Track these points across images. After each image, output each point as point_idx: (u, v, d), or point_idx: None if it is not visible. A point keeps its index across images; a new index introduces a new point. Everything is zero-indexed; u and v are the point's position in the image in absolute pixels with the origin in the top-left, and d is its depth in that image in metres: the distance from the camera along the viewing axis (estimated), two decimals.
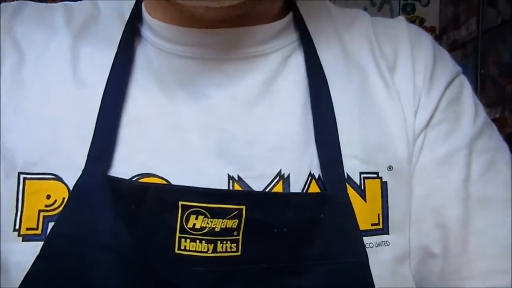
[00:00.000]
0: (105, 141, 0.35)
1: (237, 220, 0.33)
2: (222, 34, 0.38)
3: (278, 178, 0.36)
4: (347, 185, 0.37)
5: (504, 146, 0.41)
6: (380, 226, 0.37)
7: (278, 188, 0.36)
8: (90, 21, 0.41)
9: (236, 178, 0.36)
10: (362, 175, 0.37)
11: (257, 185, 0.36)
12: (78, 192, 0.34)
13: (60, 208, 0.34)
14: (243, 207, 0.33)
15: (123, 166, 0.35)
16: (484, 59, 1.64)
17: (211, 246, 0.32)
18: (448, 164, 0.38)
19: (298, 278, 0.33)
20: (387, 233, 0.37)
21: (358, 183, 0.37)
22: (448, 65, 0.42)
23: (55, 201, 0.34)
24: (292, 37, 0.41)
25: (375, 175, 0.38)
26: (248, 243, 0.33)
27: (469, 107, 0.41)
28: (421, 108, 0.39)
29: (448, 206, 0.38)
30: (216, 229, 0.32)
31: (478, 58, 1.67)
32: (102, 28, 0.40)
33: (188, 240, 0.32)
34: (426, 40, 0.43)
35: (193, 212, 0.33)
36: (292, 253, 0.34)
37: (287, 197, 0.35)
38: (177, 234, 0.32)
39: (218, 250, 0.32)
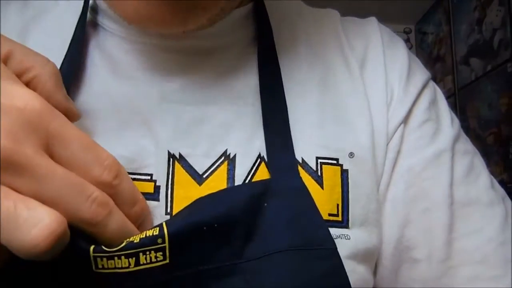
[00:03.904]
0: None
1: (158, 227, 0.28)
2: None
3: (223, 158, 0.34)
4: (302, 169, 0.34)
5: (477, 150, 0.41)
6: (339, 218, 0.34)
7: (223, 169, 0.34)
8: (46, 10, 0.40)
9: (178, 157, 0.34)
10: (319, 160, 0.35)
11: (200, 165, 0.34)
12: None
13: None
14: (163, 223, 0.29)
15: None
16: (463, 114, 1.70)
17: (132, 260, 0.27)
18: (435, 165, 0.37)
19: (246, 275, 0.30)
20: (346, 227, 0.34)
21: (314, 168, 0.35)
22: (422, 67, 0.43)
23: None
24: (251, 27, 0.41)
25: (334, 161, 0.35)
26: (177, 248, 0.28)
27: (445, 110, 0.41)
28: (396, 102, 0.39)
29: (435, 210, 0.37)
30: (135, 241, 0.27)
31: (457, 113, 1.73)
32: (57, 17, 0.40)
33: (104, 259, 0.27)
34: (399, 42, 0.43)
35: None
36: (232, 249, 0.30)
37: (213, 195, 0.31)
38: (91, 254, 0.27)
39: (141, 263, 0.27)
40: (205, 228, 0.29)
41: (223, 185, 0.34)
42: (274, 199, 0.31)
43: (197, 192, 0.33)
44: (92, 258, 0.27)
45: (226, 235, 0.30)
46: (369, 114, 0.38)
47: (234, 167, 0.34)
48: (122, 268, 0.27)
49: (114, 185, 0.26)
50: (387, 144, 0.38)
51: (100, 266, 0.27)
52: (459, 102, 1.75)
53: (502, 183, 1.26)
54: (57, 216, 0.23)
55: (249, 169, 0.34)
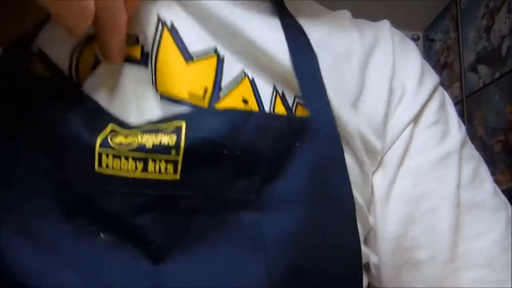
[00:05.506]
0: None
1: (175, 136, 0.26)
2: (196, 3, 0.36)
3: (214, 52, 0.32)
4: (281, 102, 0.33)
5: (481, 157, 0.42)
6: None
7: (212, 61, 0.32)
8: None
9: (169, 26, 0.32)
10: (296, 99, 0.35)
11: (192, 44, 0.32)
12: None
13: None
14: (182, 123, 0.26)
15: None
16: (470, 121, 1.69)
17: (140, 165, 0.25)
18: (443, 166, 0.38)
19: (258, 214, 0.27)
20: None
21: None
22: (432, 71, 0.43)
23: None
24: (273, 16, 0.40)
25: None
26: (191, 166, 0.26)
27: (453, 115, 0.42)
28: (407, 100, 0.39)
29: (441, 210, 0.37)
30: (147, 146, 0.25)
31: (465, 120, 1.72)
32: None
33: (110, 156, 0.24)
34: (411, 43, 0.44)
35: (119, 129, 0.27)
36: (250, 184, 0.28)
37: (246, 114, 0.29)
38: (97, 149, 0.24)
39: (149, 170, 0.25)
40: (225, 152, 0.27)
41: (210, 76, 0.32)
42: (306, 141, 0.30)
43: (182, 70, 0.31)
44: (97, 154, 0.24)
45: (247, 167, 0.27)
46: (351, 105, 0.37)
47: (222, 66, 0.32)
48: (128, 171, 0.25)
49: None
50: (394, 143, 0.38)
51: (104, 165, 0.24)
52: (467, 109, 1.74)
53: (509, 191, 1.26)
54: None
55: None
